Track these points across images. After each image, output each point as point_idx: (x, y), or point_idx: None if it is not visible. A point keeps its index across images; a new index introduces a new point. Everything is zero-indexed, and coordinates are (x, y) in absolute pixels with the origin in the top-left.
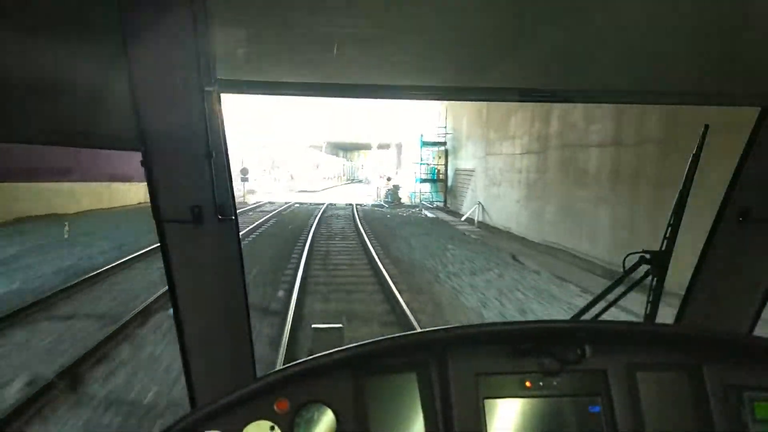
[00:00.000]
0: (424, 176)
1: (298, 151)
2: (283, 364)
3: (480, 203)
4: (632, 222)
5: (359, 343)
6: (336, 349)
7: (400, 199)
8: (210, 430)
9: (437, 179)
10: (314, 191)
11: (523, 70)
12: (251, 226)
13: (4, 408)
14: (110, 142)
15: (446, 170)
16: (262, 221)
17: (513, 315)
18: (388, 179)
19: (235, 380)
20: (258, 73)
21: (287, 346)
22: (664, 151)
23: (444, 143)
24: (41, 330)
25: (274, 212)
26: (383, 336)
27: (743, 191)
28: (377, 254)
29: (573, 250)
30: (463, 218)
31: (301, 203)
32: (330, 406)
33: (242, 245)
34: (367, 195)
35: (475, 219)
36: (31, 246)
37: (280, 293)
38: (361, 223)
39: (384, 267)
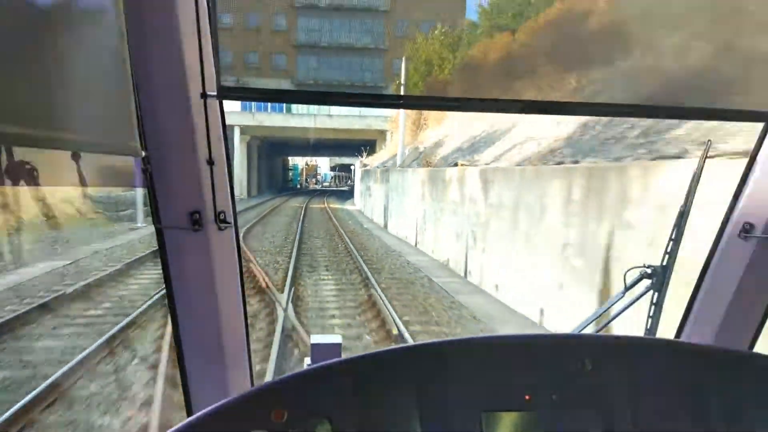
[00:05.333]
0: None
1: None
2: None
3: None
4: None
5: (358, 355)
6: (334, 360)
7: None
8: None
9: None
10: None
11: (525, 82)
12: (310, 189)
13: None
14: (111, 147)
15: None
16: (312, 189)
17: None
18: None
19: (232, 389)
20: (261, 80)
21: (306, 206)
22: None
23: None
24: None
25: (315, 188)
26: (382, 348)
27: (745, 207)
28: (328, 192)
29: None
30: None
31: (324, 188)
32: (328, 418)
33: (311, 189)
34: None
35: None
36: None
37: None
38: (334, 191)
39: (327, 194)
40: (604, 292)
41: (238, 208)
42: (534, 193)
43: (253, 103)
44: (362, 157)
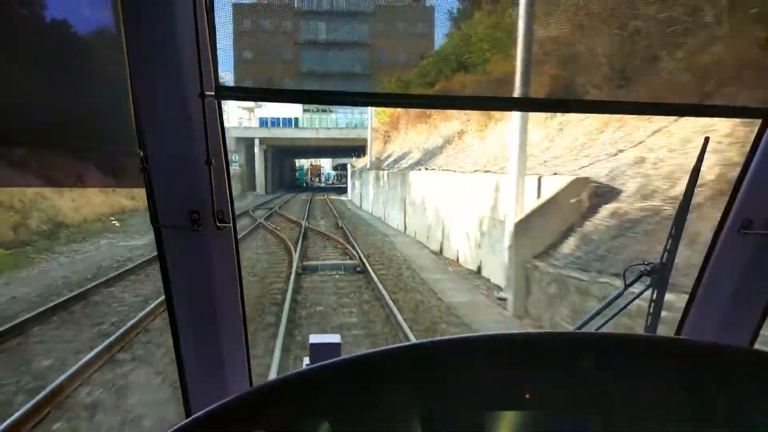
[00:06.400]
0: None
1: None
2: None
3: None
4: None
5: (357, 354)
6: (334, 359)
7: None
8: None
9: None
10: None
11: (520, 79)
12: (314, 187)
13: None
14: (110, 147)
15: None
16: (317, 186)
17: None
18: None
19: (231, 389)
20: (259, 80)
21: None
22: None
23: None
24: None
25: (319, 185)
26: (382, 347)
27: (744, 202)
28: (329, 189)
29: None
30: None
31: (327, 186)
32: (327, 418)
33: (315, 186)
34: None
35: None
36: None
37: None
38: (335, 187)
39: (328, 190)
40: (407, 212)
41: (265, 200)
42: (396, 182)
43: (269, 119)
44: (353, 159)
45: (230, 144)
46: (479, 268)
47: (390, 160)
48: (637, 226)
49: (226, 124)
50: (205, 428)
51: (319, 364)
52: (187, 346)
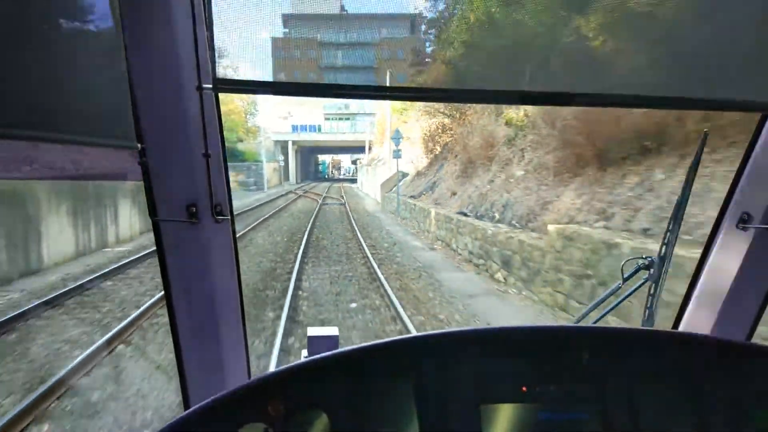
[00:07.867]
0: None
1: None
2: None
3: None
4: None
5: (354, 347)
6: (331, 352)
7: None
8: None
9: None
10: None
11: (523, 72)
12: (334, 178)
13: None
14: (107, 140)
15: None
16: (336, 178)
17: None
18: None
19: (229, 381)
20: (258, 72)
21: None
22: None
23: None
24: None
25: (339, 177)
26: (379, 340)
27: (743, 197)
28: (345, 180)
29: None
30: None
31: (345, 177)
32: (325, 409)
33: (335, 178)
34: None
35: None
36: None
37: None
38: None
39: (344, 181)
40: (376, 187)
41: (298, 186)
42: (373, 171)
43: (298, 126)
44: (363, 156)
45: (270, 146)
46: (381, 201)
47: (379, 158)
48: (407, 182)
49: (268, 130)
50: (204, 420)
51: (317, 356)
52: (186, 338)
